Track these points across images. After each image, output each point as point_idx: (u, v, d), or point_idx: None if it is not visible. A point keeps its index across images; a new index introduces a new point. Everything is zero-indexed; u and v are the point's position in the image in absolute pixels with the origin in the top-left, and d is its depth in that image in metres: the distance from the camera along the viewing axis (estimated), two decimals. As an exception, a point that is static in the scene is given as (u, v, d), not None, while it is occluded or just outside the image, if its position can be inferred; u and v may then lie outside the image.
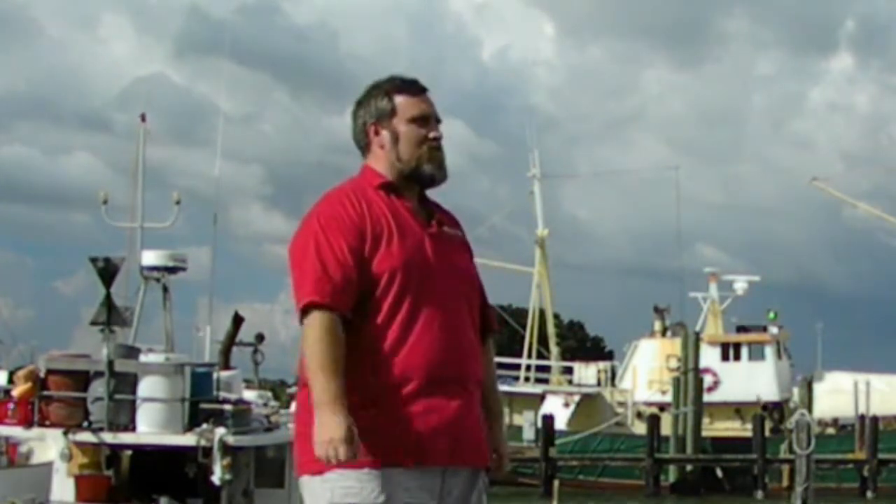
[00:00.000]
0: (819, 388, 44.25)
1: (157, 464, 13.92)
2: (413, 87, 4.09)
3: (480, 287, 4.17)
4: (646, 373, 49.13)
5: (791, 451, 30.21)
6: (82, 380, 14.18)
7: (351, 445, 3.70)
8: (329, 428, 3.71)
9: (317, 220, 3.92)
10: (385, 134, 4.04)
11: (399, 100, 4.04)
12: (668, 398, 45.49)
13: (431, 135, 4.03)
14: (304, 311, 3.82)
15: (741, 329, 50.03)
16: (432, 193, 4.14)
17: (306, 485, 3.90)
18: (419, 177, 4.03)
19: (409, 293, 3.86)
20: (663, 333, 50.03)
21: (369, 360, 3.82)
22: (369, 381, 3.82)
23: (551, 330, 54.18)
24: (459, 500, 3.94)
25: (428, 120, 4.06)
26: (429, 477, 3.85)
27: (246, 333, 18.76)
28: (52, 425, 14.04)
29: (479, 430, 4.00)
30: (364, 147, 4.10)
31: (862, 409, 42.72)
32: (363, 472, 3.79)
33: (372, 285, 3.85)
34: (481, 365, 4.07)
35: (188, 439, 13.54)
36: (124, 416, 13.91)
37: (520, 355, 53.76)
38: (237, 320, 18.67)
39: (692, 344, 45.07)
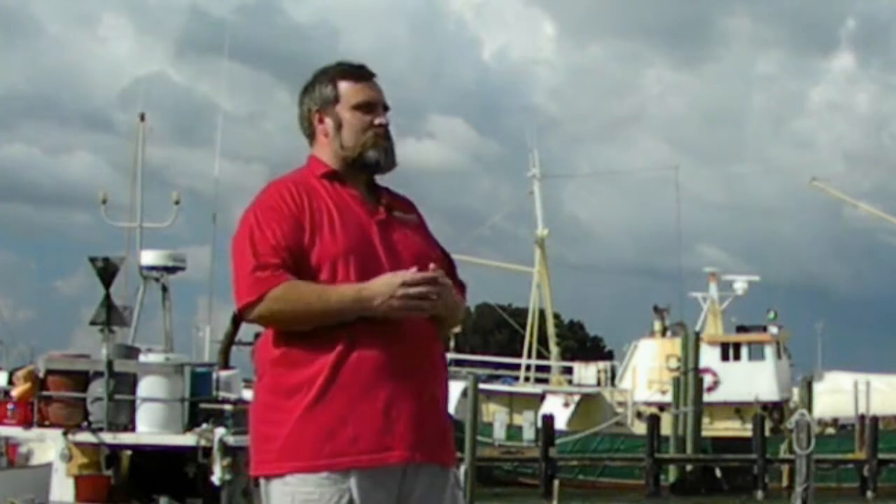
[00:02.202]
0: (819, 388, 44.19)
1: (156, 464, 13.90)
2: (358, 73, 3.99)
3: (448, 263, 4.02)
4: (646, 373, 49.12)
5: (791, 451, 30.15)
6: (82, 380, 14.17)
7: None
8: (381, 287, 3.69)
9: (254, 213, 3.84)
10: (329, 121, 3.95)
11: (343, 86, 3.95)
12: (668, 398, 45.47)
13: (377, 121, 3.93)
14: (247, 310, 3.75)
15: (741, 329, 50.02)
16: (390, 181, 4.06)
17: (266, 488, 3.81)
18: (363, 164, 3.92)
19: (354, 283, 3.75)
20: (663, 333, 50.02)
21: (317, 355, 3.73)
22: (319, 378, 3.72)
23: (551, 330, 54.19)
24: (422, 500, 3.81)
25: (373, 107, 3.94)
26: (387, 477, 3.73)
27: (245, 333, 18.75)
28: (52, 426, 14.02)
29: (439, 425, 3.86)
30: (309, 135, 4.01)
31: (862, 409, 42.70)
32: (322, 476, 3.69)
33: (314, 276, 3.75)
34: (439, 354, 3.96)
35: (188, 439, 13.53)
36: (124, 417, 13.91)
37: (520, 355, 53.80)
38: (236, 320, 18.65)
39: (692, 344, 45.05)
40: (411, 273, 3.73)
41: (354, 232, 3.81)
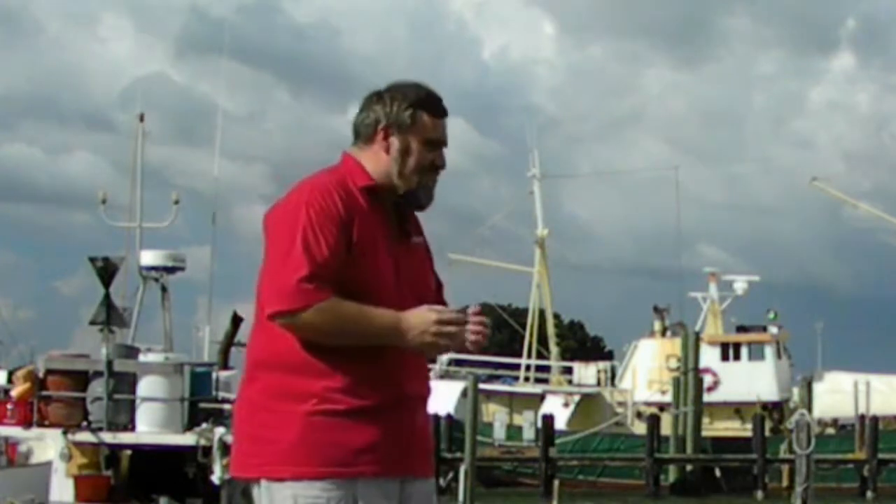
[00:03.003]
0: (819, 388, 44.21)
1: (156, 463, 13.91)
2: (437, 108, 3.97)
3: (438, 291, 4.11)
4: (646, 373, 49.13)
5: (791, 451, 30.17)
6: (81, 380, 14.18)
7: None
8: (419, 322, 3.74)
9: (307, 210, 3.75)
10: (395, 142, 3.90)
11: (423, 117, 3.92)
12: (668, 398, 45.48)
13: (438, 162, 3.96)
14: (286, 314, 3.71)
15: (741, 329, 50.03)
16: None
17: (265, 490, 3.81)
18: (410, 199, 3.95)
19: (383, 306, 3.78)
20: (663, 333, 50.03)
21: (339, 368, 3.77)
22: (336, 394, 3.76)
23: (551, 330, 54.18)
24: None
25: (439, 146, 3.95)
26: (389, 486, 3.82)
27: (244, 333, 18.77)
28: (52, 425, 14.03)
29: (430, 441, 4.05)
30: (365, 139, 3.96)
31: (862, 409, 42.72)
32: (328, 481, 3.74)
33: (349, 294, 3.75)
34: (427, 370, 4.14)
35: (187, 439, 13.54)
36: (123, 416, 13.91)
37: (520, 355, 53.77)
38: (236, 320, 18.70)
39: (692, 344, 45.06)
40: (447, 311, 3.80)
41: (388, 255, 3.85)
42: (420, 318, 3.75)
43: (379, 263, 3.81)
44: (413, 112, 3.90)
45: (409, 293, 3.89)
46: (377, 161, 3.91)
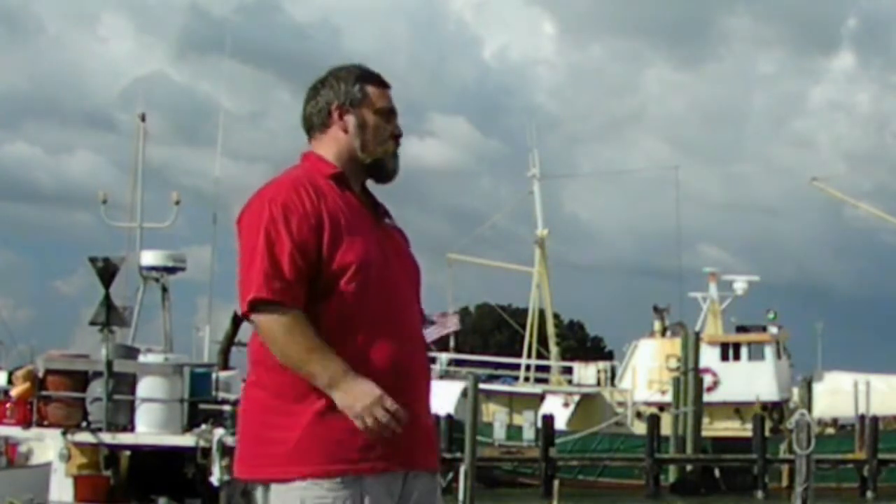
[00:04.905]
0: (819, 388, 44.21)
1: (155, 464, 13.91)
2: (380, 80, 4.02)
3: (420, 279, 4.10)
4: (645, 373, 49.12)
5: (791, 451, 30.17)
6: (81, 380, 14.17)
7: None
8: (364, 393, 3.65)
9: (269, 207, 3.75)
10: (350, 119, 3.93)
11: (370, 89, 3.96)
12: (668, 398, 45.48)
13: (396, 132, 3.99)
14: (253, 307, 3.70)
15: (741, 329, 50.02)
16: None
17: (274, 493, 3.77)
18: (380, 170, 3.96)
19: (372, 290, 3.76)
20: (663, 333, 50.02)
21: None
22: None
23: (551, 330, 54.16)
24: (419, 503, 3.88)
25: (393, 116, 3.99)
26: (392, 480, 3.79)
27: (245, 333, 18.73)
28: (51, 425, 14.03)
29: (433, 431, 4.03)
30: (320, 127, 3.98)
31: (862, 409, 42.71)
32: (335, 480, 3.70)
33: (333, 282, 3.74)
34: (428, 362, 4.11)
35: (187, 440, 13.53)
36: (123, 417, 13.91)
37: (520, 355, 53.77)
38: (236, 320, 18.65)
39: (692, 344, 45.07)
40: (391, 401, 3.69)
41: (367, 238, 3.82)
42: (370, 393, 3.67)
43: (362, 244, 3.79)
44: (361, 86, 3.96)
45: (399, 271, 3.89)
46: (337, 143, 3.95)
